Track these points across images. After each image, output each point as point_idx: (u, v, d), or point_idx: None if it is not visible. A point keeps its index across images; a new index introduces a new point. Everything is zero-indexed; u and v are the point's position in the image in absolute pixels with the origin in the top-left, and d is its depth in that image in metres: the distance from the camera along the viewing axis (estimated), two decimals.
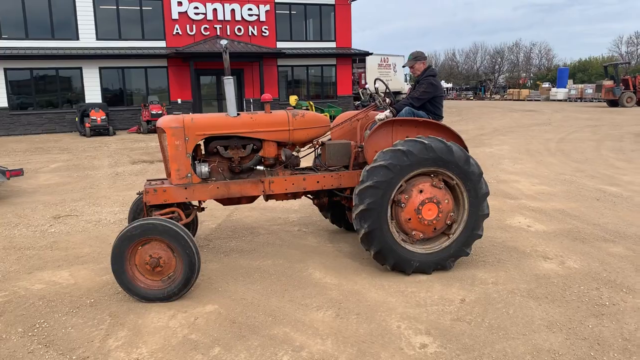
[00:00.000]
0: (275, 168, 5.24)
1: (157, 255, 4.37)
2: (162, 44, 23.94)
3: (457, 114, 29.52)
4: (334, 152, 5.33)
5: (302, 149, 5.48)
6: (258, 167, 5.16)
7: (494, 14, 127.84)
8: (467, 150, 4.95)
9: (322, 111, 23.66)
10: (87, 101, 22.66)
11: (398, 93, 38.47)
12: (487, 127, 20.38)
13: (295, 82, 27.51)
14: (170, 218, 4.77)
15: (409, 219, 4.80)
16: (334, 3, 26.97)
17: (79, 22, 22.70)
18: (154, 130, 20.82)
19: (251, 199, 5.39)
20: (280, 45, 25.79)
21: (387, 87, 5.85)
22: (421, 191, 4.77)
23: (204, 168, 5.01)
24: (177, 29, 23.94)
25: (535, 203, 7.64)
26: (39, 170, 11.87)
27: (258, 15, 25.22)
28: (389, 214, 4.72)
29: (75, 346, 3.68)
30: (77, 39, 22.74)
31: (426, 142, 4.68)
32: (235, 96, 5.12)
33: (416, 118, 5.12)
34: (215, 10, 24.40)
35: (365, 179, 4.68)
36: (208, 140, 5.10)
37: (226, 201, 5.36)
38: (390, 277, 4.84)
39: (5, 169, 8.76)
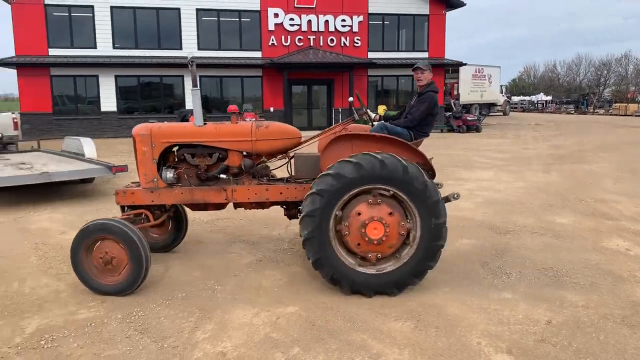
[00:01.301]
0: (240, 177, 5.33)
1: (111, 253, 4.66)
2: (258, 54, 24.89)
3: (555, 128, 28.10)
4: (303, 164, 5.32)
5: (270, 160, 5.51)
6: (222, 176, 5.30)
7: (601, 24, 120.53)
8: (433, 170, 4.82)
9: None
10: (186, 107, 24.03)
11: (492, 105, 37.31)
12: (588, 143, 19.23)
13: (385, 92, 27.51)
14: (138, 219, 5.23)
15: (358, 244, 4.58)
16: (428, 13, 26.74)
17: (183, 33, 24.18)
18: None
19: (218, 206, 5.54)
20: (372, 55, 25.93)
21: (362, 104, 5.51)
22: (359, 214, 4.55)
23: (169, 174, 5.28)
24: (272, 40, 24.80)
25: (636, 225, 7.13)
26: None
27: (351, 26, 25.54)
28: (332, 240, 4.55)
29: (166, 335, 3.95)
30: (181, 48, 24.21)
31: (354, 161, 4.44)
32: (201, 106, 5.35)
33: (374, 133, 4.84)
34: (309, 21, 25.02)
35: (303, 207, 4.60)
36: (178, 147, 5.36)
37: (194, 207, 5.55)
38: (472, 293, 4.74)
39: (111, 164, 9.52)
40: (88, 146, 10.89)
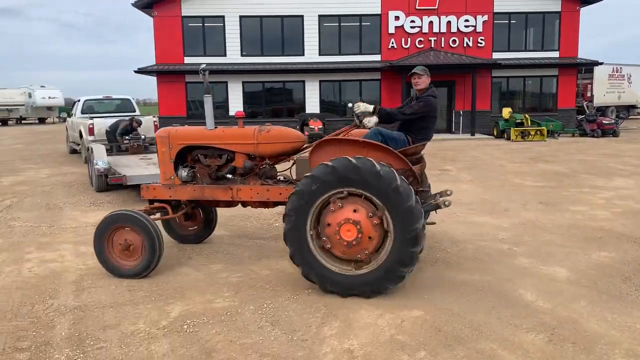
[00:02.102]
0: (246, 177, 5.70)
1: (129, 239, 5.26)
2: (377, 57, 24.96)
3: None
4: (303, 167, 5.40)
5: (272, 162, 5.78)
6: (228, 176, 5.72)
7: None
8: (415, 177, 4.86)
9: (539, 125, 22.16)
10: (306, 111, 24.76)
11: (632, 107, 34.09)
12: None
13: (510, 93, 26.23)
14: (158, 211, 5.93)
15: (343, 251, 4.67)
16: (559, 10, 25.08)
17: (305, 40, 24.94)
18: None
19: (228, 204, 5.92)
20: (496, 55, 24.87)
21: (354, 113, 5.33)
22: (329, 224, 4.65)
23: (183, 172, 5.84)
24: (392, 43, 24.74)
25: None
26: None
27: (474, 26, 24.71)
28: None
29: (295, 328, 4.12)
30: (303, 54, 25.00)
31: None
32: (212, 111, 5.89)
33: (358, 139, 4.84)
34: (431, 23, 24.60)
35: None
36: (193, 149, 5.88)
37: (206, 203, 6.06)
38: (613, 309, 4.39)
39: None
40: None
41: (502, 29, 25.21)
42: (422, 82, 5.37)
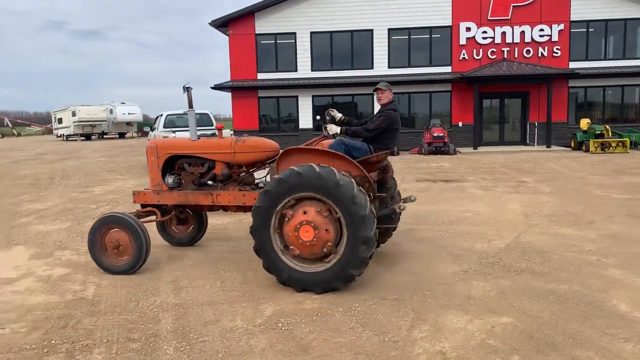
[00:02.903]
0: (226, 183, 6.22)
1: (119, 239, 5.78)
2: (448, 69, 24.76)
3: None
4: (275, 174, 5.61)
5: (249, 170, 6.30)
6: (209, 182, 6.24)
7: None
8: (370, 183, 5.21)
9: (621, 136, 21.16)
10: None
11: None
12: None
13: (588, 104, 25.20)
14: (148, 215, 6.43)
15: (311, 252, 5.01)
16: None
17: (374, 53, 25.15)
18: (435, 151, 21.65)
19: (210, 208, 6.38)
20: (573, 65, 24.03)
21: (325, 118, 6.05)
22: (288, 233, 5.02)
23: (169, 179, 6.40)
24: (463, 54, 24.47)
25: None
26: None
27: (550, 36, 24.02)
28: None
29: (386, 330, 4.24)
30: (372, 67, 25.21)
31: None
32: (195, 124, 6.52)
33: (319, 148, 5.37)
34: (503, 33, 24.16)
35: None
36: (178, 158, 6.41)
37: (190, 207, 6.59)
38: None
39: None
40: None
41: (580, 37, 24.36)
42: (384, 96, 5.90)
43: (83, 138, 46.88)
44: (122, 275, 5.84)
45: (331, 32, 25.23)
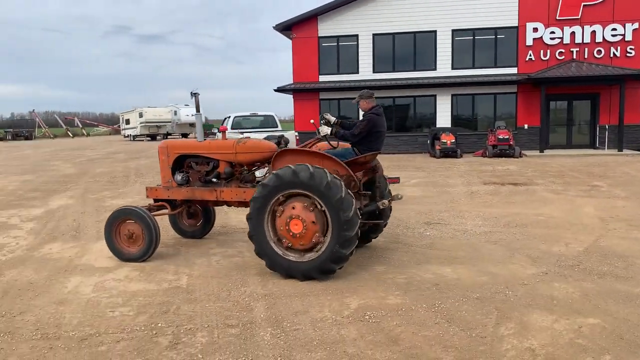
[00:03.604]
0: (229, 181, 6.77)
1: (132, 230, 6.48)
2: (514, 70, 24.26)
3: None
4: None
5: (249, 169, 6.82)
6: (214, 180, 6.80)
7: None
8: (355, 181, 5.81)
9: None
10: (437, 125, 24.70)
11: None
12: None
13: None
14: (158, 208, 7.05)
15: (301, 243, 5.55)
16: None
17: (438, 55, 24.97)
18: (499, 154, 21.28)
19: (215, 203, 7.03)
20: None
21: (317, 127, 6.46)
22: (281, 228, 5.61)
23: (178, 177, 6.98)
24: (530, 55, 23.91)
25: None
26: (403, 184, 13.65)
27: (623, 35, 23.09)
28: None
29: (472, 326, 4.36)
30: (435, 69, 25.04)
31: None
32: (202, 126, 7.20)
33: (307, 149, 6.06)
34: (572, 33, 23.43)
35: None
36: (186, 157, 7.03)
37: (197, 202, 7.23)
38: None
39: (385, 177, 10.43)
40: None
41: None
42: (361, 106, 6.39)
43: (149, 138, 48.91)
44: (133, 262, 6.50)
45: (394, 34, 25.26)
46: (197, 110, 7.16)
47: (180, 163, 7.16)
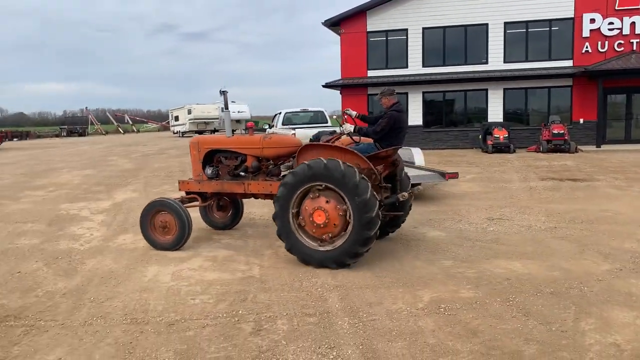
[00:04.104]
0: (256, 174, 7.07)
1: (166, 220, 6.83)
2: (569, 63, 23.56)
3: None
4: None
5: (275, 163, 7.05)
6: (242, 173, 7.16)
7: None
8: (375, 175, 5.97)
9: None
10: (489, 120, 24.26)
11: None
12: None
13: None
14: (190, 201, 7.37)
15: (313, 230, 5.89)
16: None
17: (489, 48, 24.51)
18: (554, 149, 20.73)
19: (243, 196, 7.37)
20: None
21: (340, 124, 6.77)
22: (306, 208, 5.87)
23: (208, 170, 7.33)
24: (586, 47, 23.16)
25: None
26: (459, 179, 13.51)
27: None
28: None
29: (550, 321, 4.34)
30: (487, 62, 24.60)
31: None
32: (230, 122, 7.50)
33: (329, 144, 6.29)
34: (633, 24, 22.55)
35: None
36: (216, 152, 7.35)
37: (226, 195, 7.60)
38: None
39: (445, 172, 10.41)
40: (418, 155, 12.13)
41: None
42: (383, 103, 6.57)
43: (197, 135, 49.97)
44: (167, 250, 6.87)
45: (444, 27, 24.95)
46: (226, 107, 7.52)
47: (211, 158, 7.49)
